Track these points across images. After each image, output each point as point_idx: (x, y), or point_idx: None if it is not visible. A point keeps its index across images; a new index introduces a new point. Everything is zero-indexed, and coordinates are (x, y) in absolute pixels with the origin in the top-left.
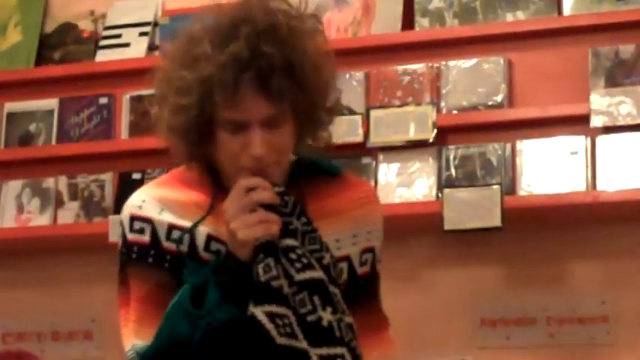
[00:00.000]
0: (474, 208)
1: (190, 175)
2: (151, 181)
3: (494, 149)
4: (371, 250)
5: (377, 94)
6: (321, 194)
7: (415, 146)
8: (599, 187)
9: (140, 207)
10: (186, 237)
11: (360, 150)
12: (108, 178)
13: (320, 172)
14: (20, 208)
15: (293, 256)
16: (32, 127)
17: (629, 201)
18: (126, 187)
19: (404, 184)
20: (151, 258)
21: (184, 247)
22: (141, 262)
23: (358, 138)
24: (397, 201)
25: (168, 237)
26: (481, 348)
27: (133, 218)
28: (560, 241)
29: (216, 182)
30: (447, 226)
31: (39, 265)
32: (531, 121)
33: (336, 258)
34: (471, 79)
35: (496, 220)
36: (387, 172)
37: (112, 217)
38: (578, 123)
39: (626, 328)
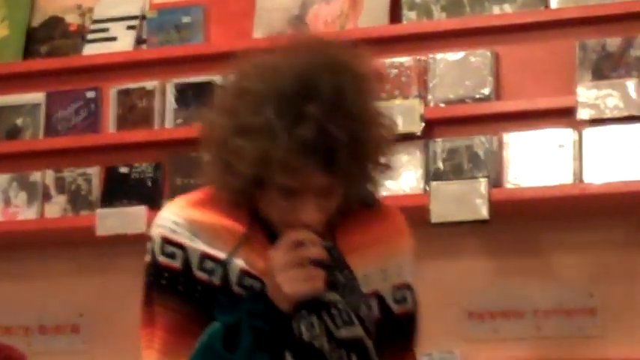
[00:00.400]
0: (461, 201)
1: (225, 197)
2: (173, 201)
3: (481, 142)
4: (406, 286)
5: None
6: (350, 227)
7: (402, 139)
8: (585, 180)
9: (173, 231)
10: (220, 269)
11: None
12: (95, 171)
13: (354, 203)
14: (7, 202)
15: (334, 311)
16: (19, 121)
17: (615, 193)
18: (113, 181)
19: (391, 176)
20: (181, 286)
21: (217, 279)
22: (170, 290)
23: None
24: (384, 194)
25: (200, 266)
26: (468, 340)
27: (165, 241)
28: (547, 234)
29: (251, 210)
30: (433, 219)
31: (26, 259)
32: (518, 114)
33: (365, 295)
34: (458, 72)
35: (483, 213)
36: None
37: (99, 211)
38: (565, 116)
39: (614, 320)
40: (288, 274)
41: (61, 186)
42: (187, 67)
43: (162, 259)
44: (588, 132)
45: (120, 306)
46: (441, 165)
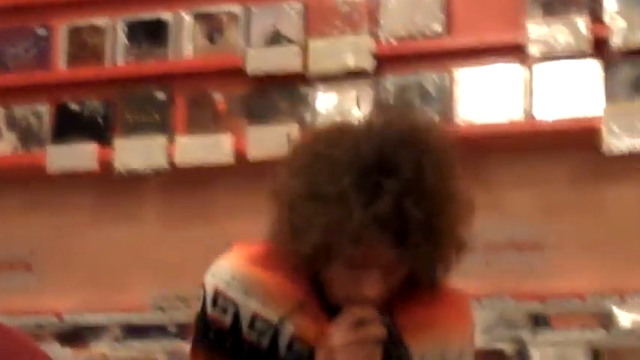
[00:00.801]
0: None
1: (285, 256)
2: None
3: (432, 79)
4: None
5: (316, 24)
6: (412, 305)
7: (353, 76)
8: (536, 116)
9: (228, 284)
10: (270, 331)
11: (299, 80)
12: (45, 109)
13: (415, 283)
14: None
15: None
16: None
17: (565, 129)
18: (64, 118)
19: (342, 113)
20: (229, 344)
21: (265, 341)
22: (217, 346)
23: (297, 68)
24: None
25: (251, 326)
26: None
27: (218, 294)
28: (497, 169)
29: (311, 276)
30: None
31: None
32: (469, 50)
33: None
34: (408, 9)
35: None
36: (326, 101)
37: (50, 148)
38: (515, 52)
39: (562, 255)
40: (349, 352)
41: (11, 123)
42: (138, 4)
43: (212, 312)
44: (538, 68)
45: (71, 242)
46: (391, 102)
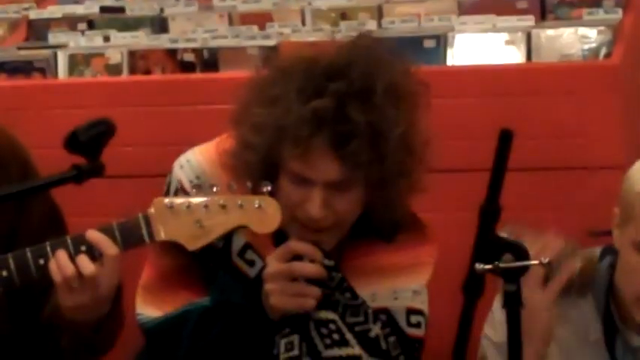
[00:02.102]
0: None
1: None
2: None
3: None
4: (420, 312)
5: None
6: (361, 253)
7: None
8: None
9: (191, 182)
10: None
11: None
12: None
13: (372, 233)
14: None
15: (324, 330)
16: None
17: None
18: None
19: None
20: None
21: (219, 242)
22: None
23: None
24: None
25: None
26: None
27: (180, 190)
28: None
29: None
30: None
31: None
32: None
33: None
34: None
35: None
36: None
37: None
38: None
39: None
40: (278, 284)
41: None
42: None
43: None
44: None
45: None
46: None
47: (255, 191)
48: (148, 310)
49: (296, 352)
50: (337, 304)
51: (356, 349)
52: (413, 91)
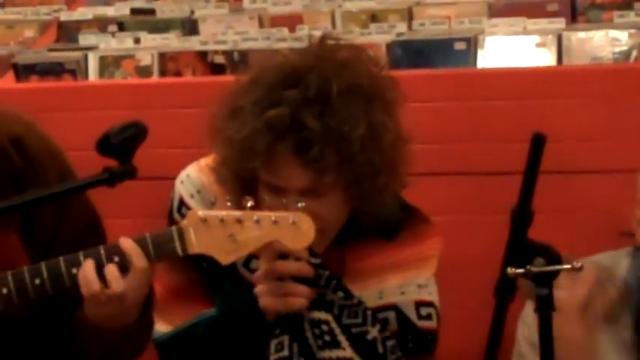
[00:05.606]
0: None
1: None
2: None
3: None
4: (430, 304)
5: None
6: (364, 254)
7: None
8: None
9: (192, 196)
10: None
11: None
12: None
13: (373, 233)
14: None
15: (317, 331)
16: None
17: None
18: None
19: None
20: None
21: None
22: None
23: None
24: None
25: None
26: None
27: (182, 203)
28: None
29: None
30: None
31: None
32: None
33: (377, 306)
34: None
35: None
36: None
37: None
38: None
39: None
40: (266, 285)
41: None
42: None
43: (177, 217)
44: None
45: None
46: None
47: (238, 206)
48: (158, 325)
49: (285, 352)
50: (332, 305)
51: (347, 352)
52: (378, 92)
